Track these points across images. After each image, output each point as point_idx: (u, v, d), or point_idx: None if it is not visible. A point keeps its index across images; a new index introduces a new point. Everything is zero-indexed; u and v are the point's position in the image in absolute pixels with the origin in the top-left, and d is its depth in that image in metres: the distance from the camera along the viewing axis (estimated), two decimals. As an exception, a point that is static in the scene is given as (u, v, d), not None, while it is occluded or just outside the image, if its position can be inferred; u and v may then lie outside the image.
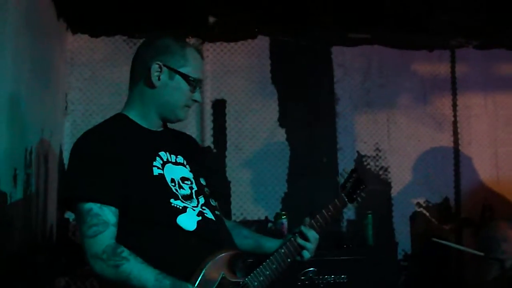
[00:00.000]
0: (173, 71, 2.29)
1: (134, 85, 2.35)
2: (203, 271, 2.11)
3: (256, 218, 4.17)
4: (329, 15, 4.13)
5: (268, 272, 2.28)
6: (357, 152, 4.37)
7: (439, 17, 4.16)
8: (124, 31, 4.14)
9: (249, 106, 4.25)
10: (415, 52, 4.54)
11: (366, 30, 4.43)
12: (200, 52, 2.40)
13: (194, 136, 3.98)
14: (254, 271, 2.26)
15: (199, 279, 2.09)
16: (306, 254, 2.38)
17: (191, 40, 4.17)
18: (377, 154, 4.40)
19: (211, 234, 2.21)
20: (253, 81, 4.28)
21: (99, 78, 4.08)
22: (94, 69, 4.09)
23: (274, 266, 2.30)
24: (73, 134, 3.93)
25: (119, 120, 2.31)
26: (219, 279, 2.14)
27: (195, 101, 2.36)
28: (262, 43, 4.32)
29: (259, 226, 4.11)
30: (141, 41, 2.83)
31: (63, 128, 3.96)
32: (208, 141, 4.15)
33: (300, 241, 2.36)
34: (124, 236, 2.10)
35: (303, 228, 2.38)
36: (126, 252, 2.05)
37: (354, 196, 2.51)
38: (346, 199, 2.49)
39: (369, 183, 2.59)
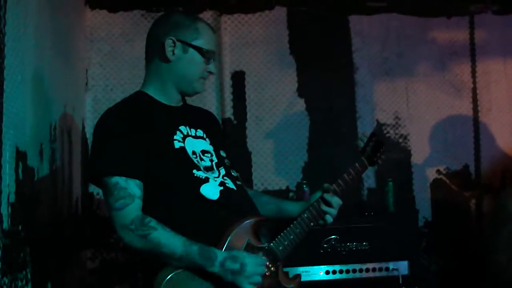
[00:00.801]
0: (186, 44, 2.33)
1: (150, 62, 2.40)
2: (229, 238, 2.16)
3: (277, 188, 4.20)
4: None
5: (292, 237, 2.34)
6: (376, 120, 4.36)
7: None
8: (142, 5, 4.14)
9: (268, 77, 4.24)
10: (433, 19, 4.48)
11: (383, -2, 4.41)
12: (211, 26, 2.44)
13: (214, 108, 4.06)
14: (279, 236, 2.32)
15: (225, 246, 2.15)
16: (329, 218, 2.43)
17: (209, 13, 4.17)
18: (396, 123, 4.39)
19: (234, 203, 2.27)
20: (271, 52, 4.27)
21: (118, 53, 4.11)
22: (113, 44, 4.11)
23: (297, 230, 2.36)
24: (94, 109, 3.98)
25: (139, 98, 2.37)
26: (245, 245, 2.19)
27: (210, 72, 2.41)
28: (279, 13, 4.30)
29: (281, 196, 4.13)
30: (159, 15, 2.87)
31: (85, 104, 4.00)
32: (228, 113, 4.17)
33: (323, 206, 2.41)
34: (150, 208, 2.16)
35: (325, 195, 2.43)
36: (153, 222, 2.10)
37: (375, 159, 2.56)
38: (367, 162, 2.53)
39: (389, 151, 2.61)
